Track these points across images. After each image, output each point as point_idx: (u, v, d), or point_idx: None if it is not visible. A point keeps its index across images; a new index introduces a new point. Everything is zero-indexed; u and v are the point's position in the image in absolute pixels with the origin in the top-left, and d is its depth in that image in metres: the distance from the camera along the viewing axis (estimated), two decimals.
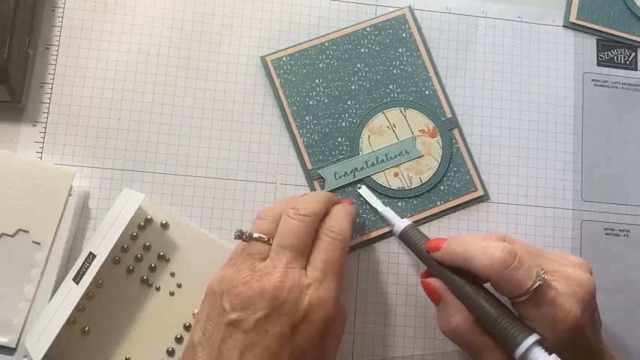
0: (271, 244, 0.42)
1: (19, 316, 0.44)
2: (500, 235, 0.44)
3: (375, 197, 0.49)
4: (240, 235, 0.42)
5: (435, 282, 0.43)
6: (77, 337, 0.45)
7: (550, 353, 0.38)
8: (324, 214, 0.44)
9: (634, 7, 0.54)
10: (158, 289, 0.47)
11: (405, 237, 0.46)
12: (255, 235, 0.42)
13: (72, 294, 0.43)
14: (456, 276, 0.42)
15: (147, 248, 0.47)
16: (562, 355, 0.38)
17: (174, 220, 0.48)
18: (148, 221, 0.47)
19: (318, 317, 0.39)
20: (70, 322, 0.45)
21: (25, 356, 0.44)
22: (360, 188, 0.49)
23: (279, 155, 0.50)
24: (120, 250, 0.47)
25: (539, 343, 0.38)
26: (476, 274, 0.40)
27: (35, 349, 0.42)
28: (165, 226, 0.48)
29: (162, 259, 0.47)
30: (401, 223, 0.46)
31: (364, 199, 0.49)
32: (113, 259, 0.46)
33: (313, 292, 0.39)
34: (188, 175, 0.49)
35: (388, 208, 0.48)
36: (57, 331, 0.41)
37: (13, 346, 0.44)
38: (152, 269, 0.47)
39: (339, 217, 0.43)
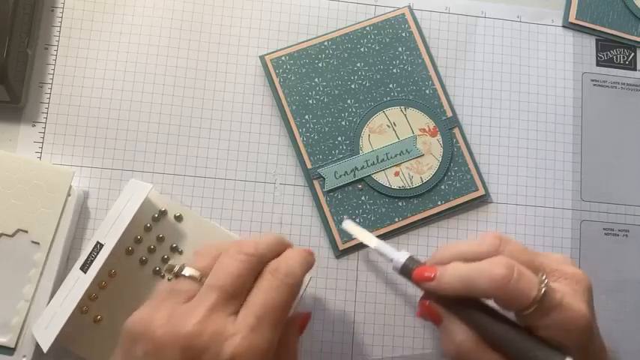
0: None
1: (19, 316, 0.44)
2: (495, 236, 0.40)
3: (363, 230, 0.45)
4: (171, 269, 0.38)
5: (433, 304, 0.40)
6: (89, 325, 0.46)
7: None
8: (277, 253, 0.39)
9: (633, 7, 0.54)
10: (170, 280, 0.47)
11: (407, 272, 0.41)
12: (186, 271, 0.37)
13: (80, 282, 0.43)
14: (467, 307, 0.39)
15: (160, 240, 0.47)
16: (577, 358, 0.36)
17: (187, 213, 0.48)
18: (162, 213, 0.48)
19: None
20: (83, 310, 0.45)
21: (24, 356, 0.44)
22: (343, 222, 0.47)
23: (278, 155, 0.50)
24: (133, 241, 0.47)
25: None
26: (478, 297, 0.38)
27: (43, 337, 0.42)
28: (179, 218, 0.48)
29: (175, 250, 0.47)
30: (399, 257, 0.41)
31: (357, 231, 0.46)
32: (127, 250, 0.47)
33: (241, 340, 0.34)
34: (187, 175, 0.49)
35: (382, 241, 0.44)
36: (66, 317, 0.41)
37: (13, 345, 0.43)
38: (165, 260, 0.47)
39: (292, 259, 0.38)
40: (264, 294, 0.36)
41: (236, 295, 0.36)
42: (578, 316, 0.36)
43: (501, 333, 0.38)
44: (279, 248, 0.39)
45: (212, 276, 0.36)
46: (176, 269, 0.37)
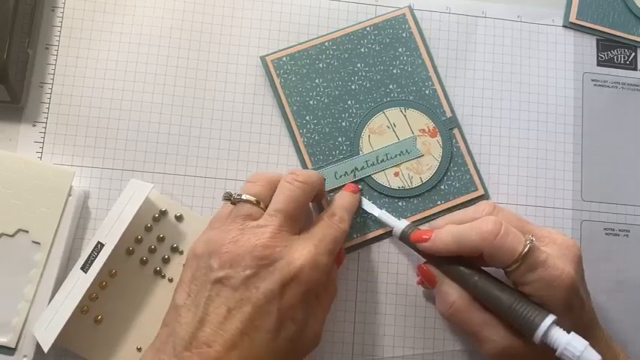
0: (261, 207, 0.42)
1: (19, 316, 0.44)
2: (489, 204, 0.45)
3: (368, 202, 0.49)
4: (229, 197, 0.42)
5: (429, 267, 0.45)
6: (90, 325, 0.46)
7: (568, 332, 0.39)
8: (318, 190, 0.45)
9: (634, 7, 0.54)
10: (171, 280, 0.47)
11: (405, 238, 0.45)
12: (245, 196, 0.42)
13: (80, 282, 0.43)
14: (461, 267, 0.43)
15: (161, 240, 0.47)
16: (565, 320, 0.39)
17: (188, 213, 0.48)
18: (163, 213, 0.48)
19: (308, 279, 0.39)
20: (83, 310, 0.45)
21: (24, 356, 0.44)
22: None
23: (279, 155, 0.50)
24: (134, 241, 0.47)
25: (555, 323, 0.39)
26: (469, 255, 0.42)
27: (44, 337, 0.42)
28: (179, 218, 0.48)
29: (176, 251, 0.47)
30: (400, 224, 0.46)
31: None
32: (127, 250, 0.47)
33: (307, 254, 0.39)
34: (188, 175, 0.49)
35: (384, 210, 0.48)
36: (67, 317, 0.42)
37: (13, 345, 0.43)
38: (165, 261, 0.47)
39: (343, 206, 0.45)
40: (322, 230, 0.42)
41: (297, 219, 0.42)
42: (562, 274, 0.40)
43: (491, 292, 0.41)
44: (322, 183, 0.46)
45: (276, 202, 0.42)
46: (235, 195, 0.42)
